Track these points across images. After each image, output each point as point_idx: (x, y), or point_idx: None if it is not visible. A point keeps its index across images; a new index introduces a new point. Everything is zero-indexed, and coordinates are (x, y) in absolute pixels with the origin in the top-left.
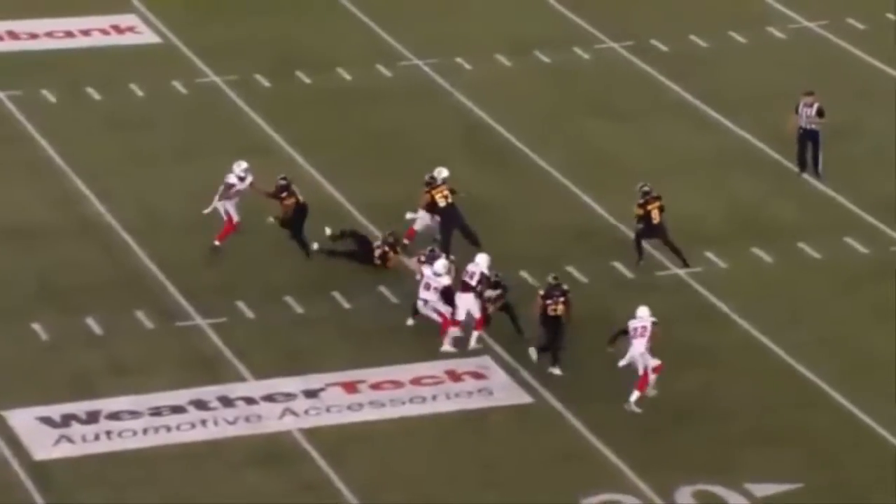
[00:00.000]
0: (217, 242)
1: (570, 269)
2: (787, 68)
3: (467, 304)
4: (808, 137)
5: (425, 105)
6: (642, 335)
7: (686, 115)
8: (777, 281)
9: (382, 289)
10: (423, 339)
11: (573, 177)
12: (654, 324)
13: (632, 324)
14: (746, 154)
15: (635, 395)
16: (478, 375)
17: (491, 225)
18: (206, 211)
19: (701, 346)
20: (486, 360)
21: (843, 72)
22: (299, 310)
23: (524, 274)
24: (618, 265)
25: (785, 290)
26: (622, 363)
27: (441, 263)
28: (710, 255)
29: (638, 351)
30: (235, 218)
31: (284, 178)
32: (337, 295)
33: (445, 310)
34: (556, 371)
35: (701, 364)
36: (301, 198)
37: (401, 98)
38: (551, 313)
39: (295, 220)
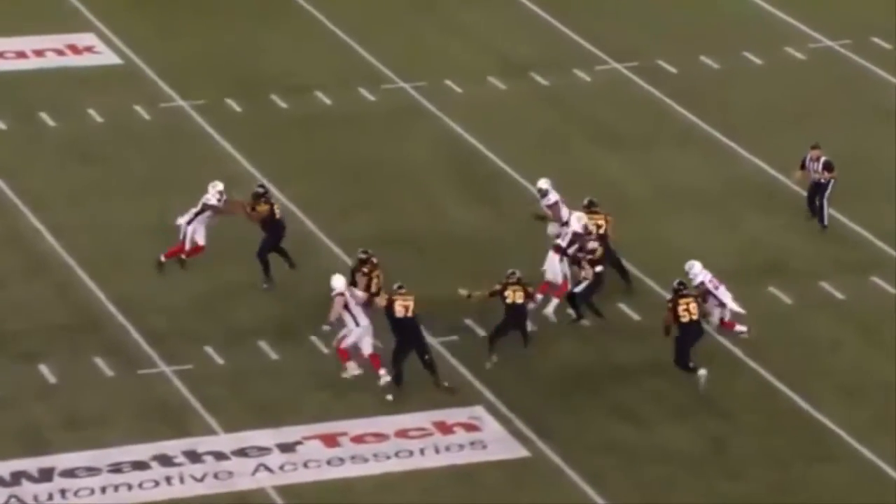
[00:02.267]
0: (163, 258)
1: (569, 311)
2: (806, 91)
3: (555, 266)
4: (818, 190)
5: (411, 131)
6: (717, 286)
7: (695, 142)
8: (795, 323)
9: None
10: (408, 388)
11: (572, 208)
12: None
13: (698, 278)
14: (761, 185)
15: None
16: (469, 427)
17: (483, 261)
18: (177, 221)
19: (711, 394)
20: (478, 411)
21: (867, 94)
22: (273, 356)
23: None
24: (623, 306)
25: (804, 333)
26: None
27: (337, 278)
28: None
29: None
30: (201, 241)
31: (262, 187)
32: (314, 339)
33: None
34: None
35: (711, 413)
36: (278, 212)
37: (384, 124)
38: (683, 316)
39: (270, 233)
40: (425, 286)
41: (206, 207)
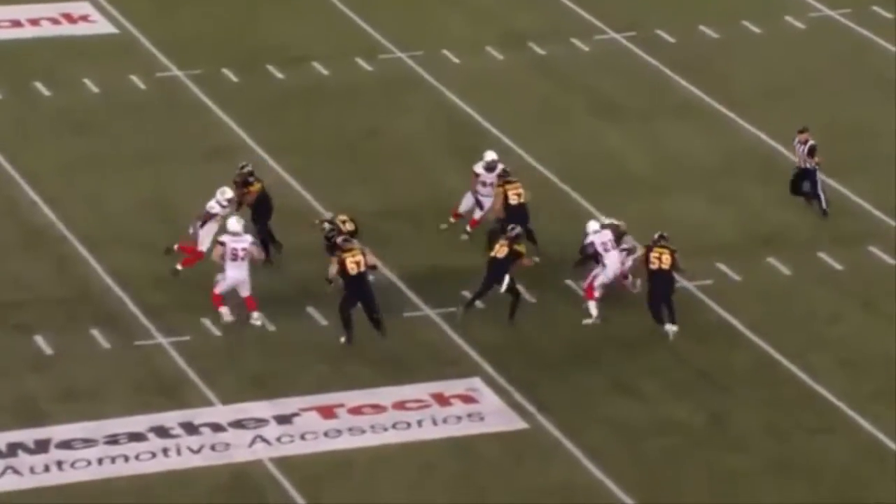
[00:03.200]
0: (179, 267)
1: (568, 282)
2: (806, 61)
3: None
4: (804, 177)
5: (408, 102)
6: (610, 249)
7: (694, 113)
8: (794, 294)
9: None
10: (407, 360)
11: (571, 181)
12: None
13: (595, 240)
14: (760, 156)
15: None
16: (467, 399)
17: (482, 233)
18: (191, 231)
19: (711, 367)
20: (475, 382)
21: (868, 64)
22: (271, 327)
23: (519, 286)
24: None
25: (803, 304)
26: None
27: (234, 220)
28: (721, 266)
29: (615, 266)
30: (203, 247)
31: (246, 165)
32: (312, 311)
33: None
34: (674, 329)
35: (711, 387)
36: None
37: (381, 94)
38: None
39: (259, 211)
40: (422, 258)
41: (208, 216)
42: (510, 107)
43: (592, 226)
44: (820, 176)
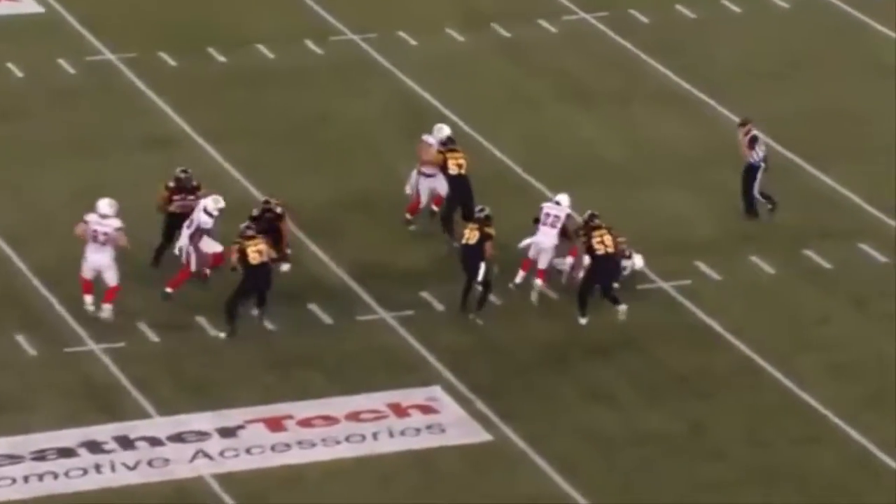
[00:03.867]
0: (169, 290)
1: (537, 281)
2: (791, 42)
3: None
4: (745, 171)
5: (362, 88)
6: (553, 225)
7: (671, 98)
8: (779, 295)
9: (313, 307)
10: (361, 367)
11: (537, 172)
12: (569, 216)
13: (545, 207)
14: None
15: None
16: (427, 409)
17: (433, 222)
18: (175, 250)
19: (689, 372)
20: (436, 391)
21: (858, 45)
22: (213, 332)
23: (491, 277)
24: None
25: (788, 305)
26: (522, 244)
27: (106, 201)
28: (700, 265)
29: (547, 243)
30: (193, 266)
31: (186, 172)
32: (257, 314)
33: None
34: (624, 307)
35: (689, 393)
36: (192, 198)
37: (333, 79)
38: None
39: (171, 221)
40: (379, 254)
41: (200, 232)
42: (472, 92)
43: (563, 197)
44: (762, 174)
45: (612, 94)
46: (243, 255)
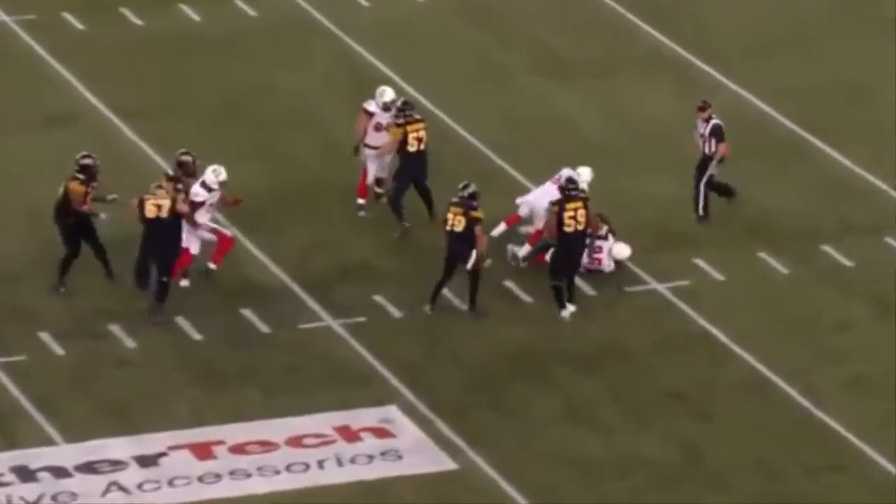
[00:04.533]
0: (212, 265)
1: (508, 284)
2: (800, 5)
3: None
4: (701, 164)
5: (304, 54)
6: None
7: (664, 68)
8: (792, 298)
9: (247, 312)
10: (304, 383)
11: (508, 154)
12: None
13: (564, 171)
14: (747, 121)
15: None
16: (381, 432)
17: (381, 206)
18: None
19: (687, 388)
20: (391, 411)
21: (870, 11)
22: (129, 343)
23: (483, 266)
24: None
25: (802, 309)
26: (518, 199)
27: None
28: (699, 262)
29: (544, 204)
30: (194, 249)
31: (90, 157)
32: (182, 321)
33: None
34: (572, 309)
35: (688, 411)
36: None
37: (269, 45)
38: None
39: (79, 223)
40: (325, 250)
41: (193, 206)
42: (432, 61)
43: (585, 171)
44: (715, 170)
45: (595, 64)
46: (141, 206)
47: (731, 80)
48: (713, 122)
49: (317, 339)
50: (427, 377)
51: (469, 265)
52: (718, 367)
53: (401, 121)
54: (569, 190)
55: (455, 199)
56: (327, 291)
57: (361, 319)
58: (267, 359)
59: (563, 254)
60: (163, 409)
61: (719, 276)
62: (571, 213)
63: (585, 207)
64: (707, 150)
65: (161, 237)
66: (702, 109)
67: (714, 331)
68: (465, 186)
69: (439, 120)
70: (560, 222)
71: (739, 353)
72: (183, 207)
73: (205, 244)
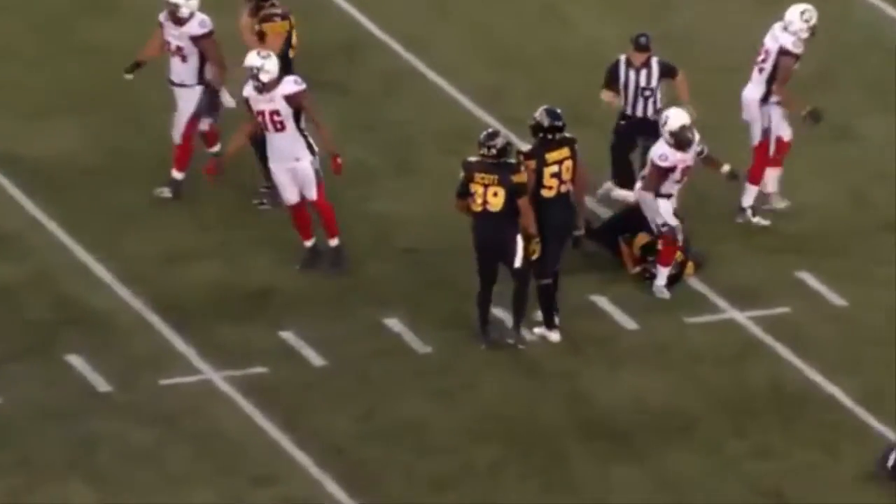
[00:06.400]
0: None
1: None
2: None
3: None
4: (638, 131)
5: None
6: (679, 181)
7: None
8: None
9: (74, 360)
10: (165, 470)
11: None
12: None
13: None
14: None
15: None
16: None
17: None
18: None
19: (785, 484)
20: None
21: None
22: None
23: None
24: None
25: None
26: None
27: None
28: (804, 277)
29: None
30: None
31: None
32: None
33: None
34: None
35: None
36: None
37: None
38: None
39: None
40: (204, 261)
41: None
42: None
43: (682, 116)
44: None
45: None
46: None
47: None
48: (656, 60)
49: (188, 400)
50: (369, 463)
51: (518, 262)
52: (838, 445)
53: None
54: (552, 126)
55: (473, 160)
56: (203, 327)
57: (260, 370)
58: (112, 431)
59: (549, 236)
60: None
61: (838, 300)
62: (555, 168)
63: (573, 156)
64: (647, 110)
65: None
66: (641, 49)
67: (826, 386)
68: (491, 138)
69: (405, 63)
70: (539, 184)
71: (875, 427)
72: None
73: None
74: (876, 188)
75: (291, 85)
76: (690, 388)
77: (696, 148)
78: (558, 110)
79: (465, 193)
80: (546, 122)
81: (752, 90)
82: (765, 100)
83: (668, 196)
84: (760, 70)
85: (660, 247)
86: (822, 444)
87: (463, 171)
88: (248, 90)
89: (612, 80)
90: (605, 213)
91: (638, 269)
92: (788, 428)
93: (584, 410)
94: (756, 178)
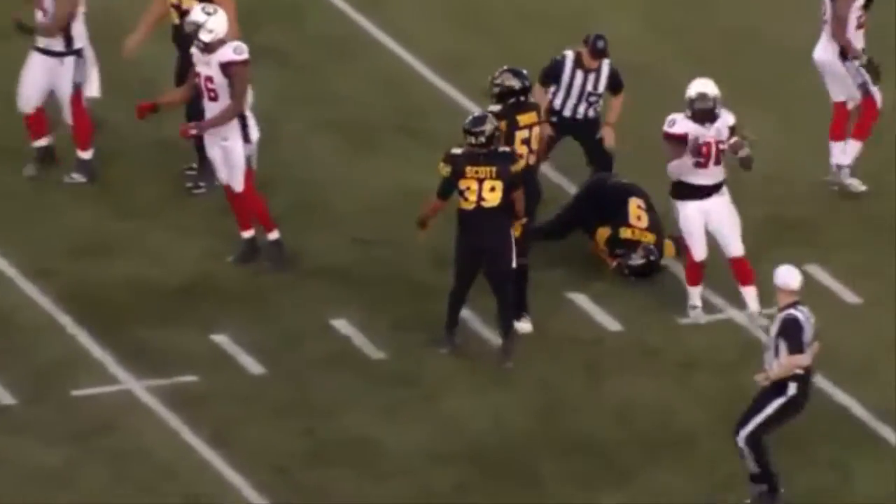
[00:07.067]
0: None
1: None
2: None
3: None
4: (568, 130)
5: None
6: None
7: None
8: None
9: None
10: (80, 496)
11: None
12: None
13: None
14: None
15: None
16: None
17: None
18: None
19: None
20: None
21: None
22: None
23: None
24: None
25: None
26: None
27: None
28: (821, 274)
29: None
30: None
31: None
32: None
33: None
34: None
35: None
36: None
37: None
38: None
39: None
40: (129, 259)
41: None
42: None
43: (706, 84)
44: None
45: None
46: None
47: None
48: (607, 63)
49: (104, 414)
50: (313, 487)
51: (515, 263)
52: (851, 464)
53: None
54: (521, 93)
55: (459, 152)
56: (123, 329)
57: (188, 378)
58: (7, 453)
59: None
60: None
61: (852, 298)
62: (525, 134)
63: (539, 122)
64: (586, 110)
65: None
66: (597, 52)
67: (844, 400)
68: (477, 123)
69: (372, 38)
70: (531, 163)
71: (892, 442)
72: None
73: None
74: (891, 175)
75: (230, 52)
76: (684, 398)
77: (722, 128)
78: (524, 70)
79: (449, 192)
80: (517, 85)
81: (819, 50)
82: (844, 56)
83: (698, 192)
84: (824, 24)
85: (685, 269)
86: (834, 464)
87: (449, 165)
88: (193, 47)
89: (551, 78)
90: (564, 181)
91: (614, 264)
92: (795, 444)
93: (560, 425)
94: (863, 134)
